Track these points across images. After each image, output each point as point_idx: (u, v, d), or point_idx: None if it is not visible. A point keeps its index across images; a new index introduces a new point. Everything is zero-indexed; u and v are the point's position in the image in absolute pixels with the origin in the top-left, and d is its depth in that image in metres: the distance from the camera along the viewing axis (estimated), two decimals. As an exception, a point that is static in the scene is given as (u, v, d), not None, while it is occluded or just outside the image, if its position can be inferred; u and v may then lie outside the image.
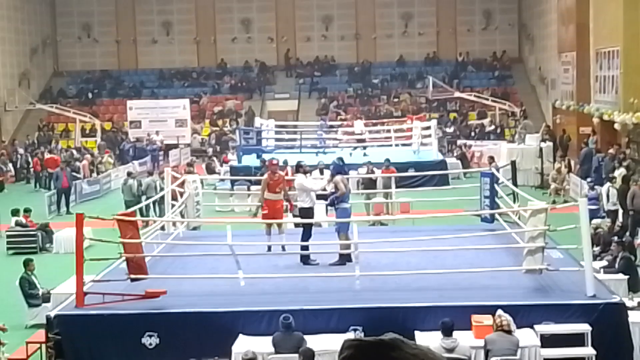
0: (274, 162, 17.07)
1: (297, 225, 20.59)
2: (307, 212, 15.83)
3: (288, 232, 18.60)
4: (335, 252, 15.22)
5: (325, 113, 45.28)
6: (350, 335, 12.38)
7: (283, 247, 15.88)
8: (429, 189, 24.95)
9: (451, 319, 11.90)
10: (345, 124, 39.61)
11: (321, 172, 24.75)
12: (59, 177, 29.30)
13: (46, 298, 16.00)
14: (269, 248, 15.86)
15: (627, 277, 15.82)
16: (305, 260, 15.23)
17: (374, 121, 41.21)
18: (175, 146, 41.17)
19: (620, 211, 21.99)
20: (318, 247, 15.72)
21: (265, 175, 16.80)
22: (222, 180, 29.96)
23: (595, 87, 32.31)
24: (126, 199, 25.89)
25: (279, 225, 16.37)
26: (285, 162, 25.66)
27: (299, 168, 16.49)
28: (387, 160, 26.34)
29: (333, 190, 15.66)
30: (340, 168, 16.16)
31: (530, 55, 47.46)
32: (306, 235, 15.34)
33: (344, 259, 14.97)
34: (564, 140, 34.77)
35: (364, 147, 33.86)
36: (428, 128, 34.31)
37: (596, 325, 12.24)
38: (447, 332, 11.79)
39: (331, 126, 38.99)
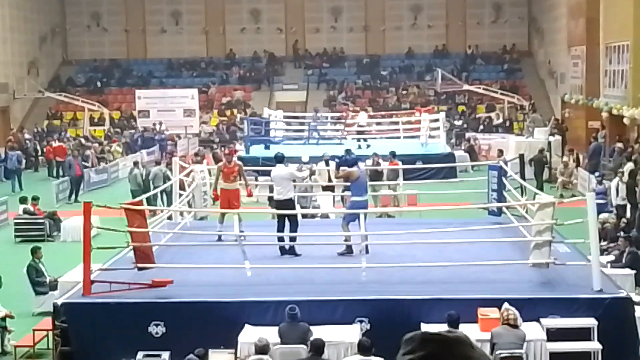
0: (232, 150, 17.11)
1: (303, 216, 20.63)
2: (289, 204, 15.39)
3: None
4: (331, 244, 15.23)
5: (333, 105, 45.30)
6: (356, 326, 12.39)
7: (241, 236, 15.81)
8: (437, 182, 24.91)
9: (457, 312, 11.89)
10: (344, 116, 39.48)
11: (326, 164, 24.75)
12: (71, 165, 29.34)
13: (53, 286, 16.05)
14: (220, 237, 15.80)
15: (634, 272, 15.80)
16: (291, 251, 15.02)
17: (382, 113, 41.18)
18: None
19: (629, 206, 21.96)
20: (324, 238, 15.73)
21: (220, 164, 16.71)
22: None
23: (604, 82, 32.21)
24: (132, 188, 26.00)
25: (239, 214, 16.20)
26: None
27: (279, 159, 16.06)
28: (392, 152, 26.28)
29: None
30: (352, 161, 16.10)
31: (540, 49, 47.34)
32: (294, 227, 15.11)
33: (350, 248, 15.00)
34: (562, 128, 34.75)
35: (366, 140, 33.59)
36: (436, 121, 34.27)
37: (602, 319, 12.23)
38: (453, 325, 11.77)
39: (337, 117, 38.87)
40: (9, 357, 14.31)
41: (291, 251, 15.10)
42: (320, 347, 11.51)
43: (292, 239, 15.15)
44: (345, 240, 15.08)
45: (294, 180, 15.81)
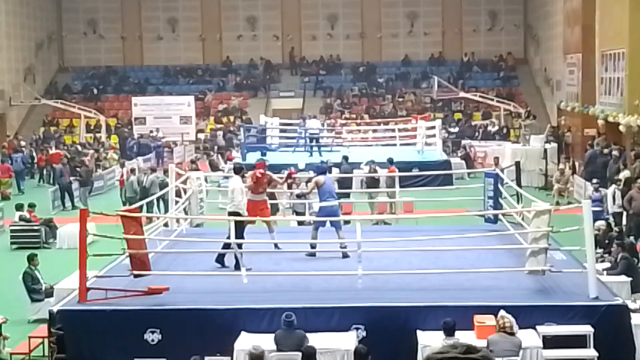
0: (263, 163, 17.01)
1: (299, 223, 20.65)
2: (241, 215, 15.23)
3: (289, 229, 18.63)
4: (326, 251, 15.48)
5: (329, 112, 45.35)
6: (352, 334, 12.38)
7: (276, 246, 15.74)
8: (433, 189, 24.91)
9: (453, 319, 11.90)
10: (333, 123, 39.40)
11: (329, 171, 24.78)
12: (62, 173, 29.34)
13: (49, 293, 16.02)
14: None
15: (630, 279, 15.79)
16: (221, 259, 14.86)
17: (379, 120, 41.24)
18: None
19: (625, 213, 22.01)
20: (320, 245, 15.74)
21: (250, 173, 16.41)
22: (226, 177, 29.95)
23: (600, 89, 32.26)
24: (128, 195, 26.01)
25: (268, 223, 16.08)
26: None
27: (237, 170, 15.91)
28: (389, 159, 26.32)
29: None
30: (321, 169, 16.63)
31: (536, 57, 47.43)
32: (240, 236, 14.74)
33: (314, 253, 15.35)
34: (564, 135, 34.77)
35: (319, 147, 33.02)
36: (432, 128, 34.29)
37: (598, 327, 12.23)
38: (449, 332, 11.78)
39: (331, 125, 38.86)
40: (4, 364, 14.30)
41: (221, 260, 14.88)
42: (311, 355, 11.51)
43: (226, 247, 14.75)
44: (312, 246, 15.41)
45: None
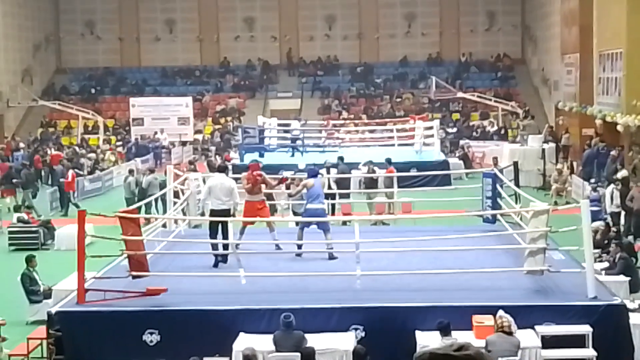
0: (257, 164, 17.13)
1: (297, 223, 20.67)
2: (228, 214, 15.48)
3: (287, 230, 18.63)
4: (323, 251, 15.60)
5: (327, 112, 45.36)
6: (351, 334, 12.38)
7: (278, 246, 15.78)
8: (431, 189, 24.93)
9: (451, 319, 11.90)
10: (325, 125, 39.35)
11: (328, 171, 24.79)
12: (63, 174, 29.27)
13: (47, 294, 16.00)
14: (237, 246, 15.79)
15: (628, 278, 15.81)
16: (217, 263, 15.05)
17: (377, 120, 41.24)
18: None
19: (623, 213, 22.01)
20: (317, 245, 15.73)
21: (244, 175, 16.59)
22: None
23: (598, 89, 32.28)
24: (126, 196, 26.02)
25: (268, 223, 16.16)
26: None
27: (221, 169, 16.19)
28: (388, 159, 26.32)
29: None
30: (313, 172, 16.86)
31: (533, 57, 47.45)
32: (227, 236, 14.96)
33: (300, 252, 15.53)
34: (562, 135, 34.79)
35: (294, 148, 33.09)
36: (430, 128, 34.31)
37: (597, 326, 12.24)
38: (446, 332, 11.78)
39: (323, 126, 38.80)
40: (2, 366, 14.28)
41: (223, 260, 15.05)
42: (310, 356, 11.50)
43: (225, 248, 15.03)
44: (298, 247, 15.56)
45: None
